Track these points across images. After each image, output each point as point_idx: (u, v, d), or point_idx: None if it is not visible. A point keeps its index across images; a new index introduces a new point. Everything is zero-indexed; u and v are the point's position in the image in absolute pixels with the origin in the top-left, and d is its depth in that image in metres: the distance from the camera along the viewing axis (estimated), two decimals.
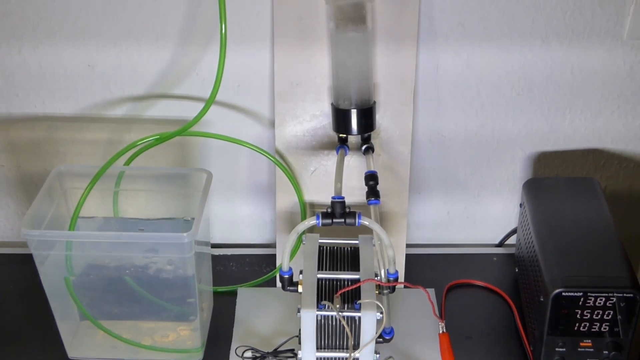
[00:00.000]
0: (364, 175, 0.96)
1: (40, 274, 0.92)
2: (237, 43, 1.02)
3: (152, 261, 0.93)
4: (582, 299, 0.87)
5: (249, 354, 0.97)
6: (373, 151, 1.02)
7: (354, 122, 0.97)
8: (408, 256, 1.11)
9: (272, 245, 1.18)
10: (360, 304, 0.86)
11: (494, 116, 1.10)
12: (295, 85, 1.03)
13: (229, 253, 1.17)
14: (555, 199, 1.03)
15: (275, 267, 1.13)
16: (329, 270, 0.91)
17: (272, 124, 1.08)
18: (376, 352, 0.89)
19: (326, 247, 0.95)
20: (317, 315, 0.86)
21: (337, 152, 1.01)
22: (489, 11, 1.02)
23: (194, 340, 0.99)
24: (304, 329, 0.86)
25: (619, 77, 1.07)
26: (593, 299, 0.87)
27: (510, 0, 1.01)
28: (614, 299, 0.87)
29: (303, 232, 0.90)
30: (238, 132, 1.07)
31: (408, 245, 1.11)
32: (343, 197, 0.88)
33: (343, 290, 0.87)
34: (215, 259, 1.13)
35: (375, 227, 0.87)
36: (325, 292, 0.88)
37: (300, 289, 0.88)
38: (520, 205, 1.08)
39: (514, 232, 1.18)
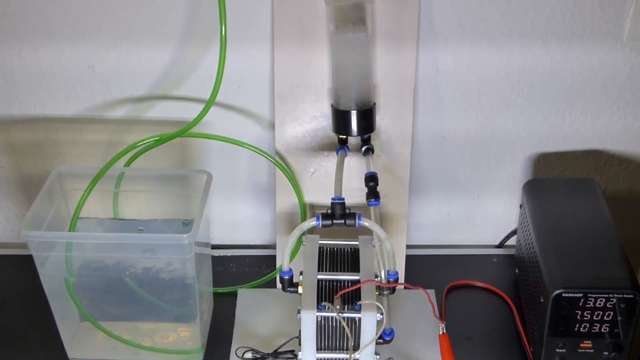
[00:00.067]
0: (364, 177, 0.96)
1: (40, 275, 0.92)
2: (237, 44, 1.02)
3: (153, 262, 0.93)
4: (582, 300, 0.87)
5: (249, 355, 0.97)
6: (373, 152, 1.02)
7: (354, 124, 0.97)
8: (408, 257, 1.11)
9: (272, 246, 1.18)
10: (360, 305, 0.86)
11: (494, 117, 1.10)
12: (295, 86, 1.03)
13: (229, 254, 1.17)
14: (555, 200, 1.03)
15: (275, 268, 1.13)
16: (329, 271, 0.91)
17: (272, 125, 1.08)
18: (376, 353, 0.89)
19: (326, 248, 0.95)
20: (317, 316, 0.86)
21: (337, 154, 1.01)
22: (489, 12, 1.02)
23: (194, 342, 0.99)
24: (304, 330, 0.86)
25: (619, 78, 1.07)
26: (593, 300, 0.87)
27: (510, 2, 1.01)
28: (614, 300, 0.87)
29: (303, 233, 0.90)
30: (238, 133, 1.07)
31: (408, 247, 1.11)
32: (343, 199, 0.88)
33: (343, 292, 0.87)
34: (215, 260, 1.13)
35: (375, 228, 0.87)
36: (326, 293, 0.88)
37: (300, 290, 0.88)
38: (520, 206, 1.08)
39: (514, 233, 1.18)
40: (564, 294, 0.87)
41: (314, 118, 1.04)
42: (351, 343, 0.87)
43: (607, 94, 1.08)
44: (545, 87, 1.08)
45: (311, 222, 0.87)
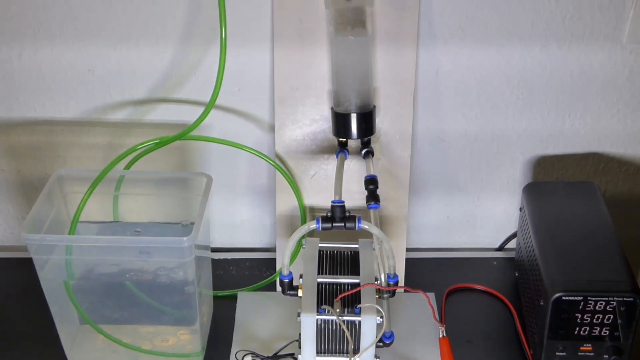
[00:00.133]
0: (363, 179, 0.96)
1: (40, 278, 0.91)
2: (237, 47, 1.02)
3: (153, 265, 0.93)
4: (582, 303, 0.87)
5: (249, 358, 0.97)
6: (373, 155, 1.02)
7: (353, 126, 0.97)
8: (408, 260, 1.11)
9: (272, 249, 1.18)
10: (360, 308, 0.86)
11: (494, 120, 1.10)
12: (295, 89, 1.03)
13: (229, 257, 1.17)
14: (555, 203, 1.03)
15: (275, 271, 1.13)
16: (329, 274, 0.91)
17: (272, 128, 1.08)
18: (376, 357, 0.89)
19: (326, 251, 0.95)
20: (317, 320, 0.86)
21: (337, 156, 1.01)
22: (489, 15, 1.02)
23: (194, 345, 0.99)
24: (304, 333, 0.86)
25: (619, 81, 1.07)
26: (593, 303, 0.87)
27: (509, 4, 1.01)
28: (614, 303, 0.87)
29: (303, 236, 0.90)
30: (238, 136, 1.08)
31: (408, 249, 1.11)
32: (343, 201, 0.88)
33: (343, 295, 0.87)
34: (215, 263, 1.13)
35: (375, 231, 0.87)
36: (325, 296, 0.88)
37: (300, 293, 0.88)
38: (520, 209, 1.08)
39: (513, 236, 1.18)
40: (564, 297, 0.87)
41: (314, 121, 1.04)
42: (351, 346, 0.87)
43: (607, 97, 1.09)
44: (545, 90, 1.08)
45: (311, 225, 0.87)
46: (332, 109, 1.00)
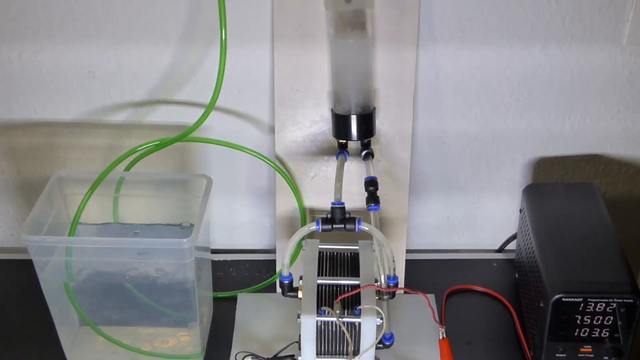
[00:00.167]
0: (363, 181, 0.96)
1: (40, 280, 0.92)
2: (237, 48, 1.02)
3: (152, 267, 0.93)
4: (582, 305, 0.87)
5: (248, 359, 0.97)
6: (373, 157, 1.02)
7: (353, 128, 0.97)
8: (408, 262, 1.11)
9: (272, 251, 1.18)
10: (360, 309, 0.86)
11: (494, 121, 1.10)
12: (295, 90, 1.03)
13: (229, 258, 1.17)
14: (555, 205, 1.03)
15: (275, 273, 1.13)
16: (329, 275, 0.91)
17: (272, 130, 1.08)
18: (376, 358, 0.89)
19: (326, 253, 0.95)
20: (317, 321, 0.86)
21: (337, 158, 1.01)
22: (489, 16, 1.02)
23: (194, 346, 0.99)
24: (303, 334, 0.86)
25: (619, 82, 1.07)
26: (593, 304, 0.87)
27: (509, 6, 1.01)
28: (614, 305, 0.87)
29: (303, 238, 0.90)
30: (238, 137, 1.08)
31: (408, 251, 1.11)
32: (343, 203, 0.88)
33: (343, 296, 0.87)
34: (215, 264, 1.13)
35: (375, 232, 0.87)
36: (325, 298, 0.88)
37: (300, 294, 0.88)
38: (520, 210, 1.08)
39: (513, 237, 1.18)
40: (564, 299, 0.87)
41: (314, 122, 1.05)
42: (351, 348, 0.87)
43: (607, 98, 1.09)
44: (545, 91, 1.08)
45: (311, 227, 0.87)
46: (332, 110, 1.00)
